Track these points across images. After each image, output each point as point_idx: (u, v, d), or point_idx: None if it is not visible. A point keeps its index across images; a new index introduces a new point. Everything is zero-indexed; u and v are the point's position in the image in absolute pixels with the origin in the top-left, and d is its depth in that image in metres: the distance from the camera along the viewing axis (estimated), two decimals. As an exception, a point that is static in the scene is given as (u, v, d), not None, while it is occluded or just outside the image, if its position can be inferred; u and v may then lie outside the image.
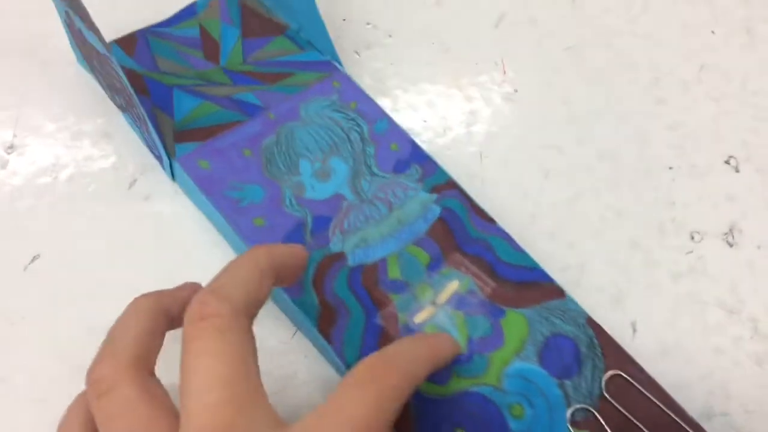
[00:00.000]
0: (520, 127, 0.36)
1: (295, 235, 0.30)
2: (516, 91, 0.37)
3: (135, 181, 0.33)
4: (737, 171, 0.35)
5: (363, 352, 0.28)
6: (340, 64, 0.36)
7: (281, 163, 0.32)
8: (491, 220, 0.32)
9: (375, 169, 0.33)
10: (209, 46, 0.37)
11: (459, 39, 0.39)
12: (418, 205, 0.32)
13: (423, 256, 0.30)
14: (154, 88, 0.34)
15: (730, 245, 0.33)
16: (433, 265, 0.30)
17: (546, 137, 0.36)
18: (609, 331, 0.29)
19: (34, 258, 0.31)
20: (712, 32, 0.40)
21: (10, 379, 0.28)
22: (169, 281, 0.26)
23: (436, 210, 0.32)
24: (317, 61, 0.36)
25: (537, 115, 0.37)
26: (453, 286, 0.30)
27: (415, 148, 0.33)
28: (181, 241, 0.32)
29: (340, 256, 0.30)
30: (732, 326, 0.31)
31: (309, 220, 0.31)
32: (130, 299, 0.25)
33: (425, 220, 0.31)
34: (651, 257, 0.33)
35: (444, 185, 0.32)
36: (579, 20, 0.40)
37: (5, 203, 0.32)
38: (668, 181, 0.35)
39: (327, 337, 0.28)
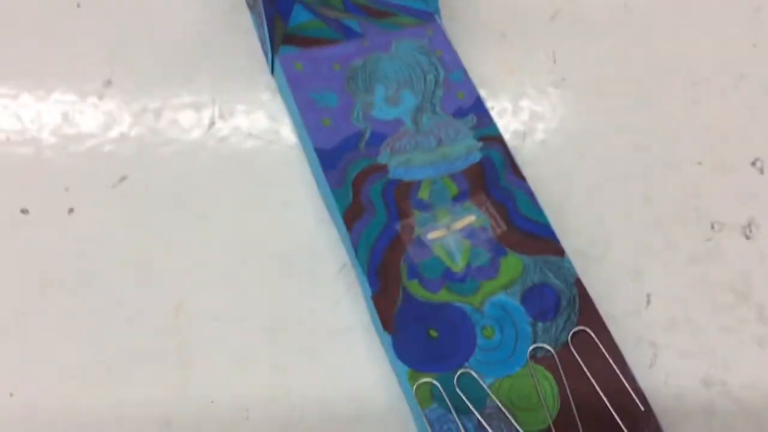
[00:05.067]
0: (563, 112, 0.39)
1: (351, 140, 0.35)
2: (563, 79, 0.40)
3: (213, 123, 0.38)
4: (762, 173, 0.37)
5: (375, 248, 0.33)
6: (439, 16, 0.41)
7: (361, 82, 0.37)
8: (523, 178, 0.35)
9: (438, 109, 0.37)
10: (336, -24, 0.42)
11: (515, 28, 0.42)
12: (464, 148, 0.36)
13: (453, 188, 0.35)
14: (280, -2, 0.40)
15: (747, 238, 0.35)
16: (459, 198, 0.34)
17: (586, 124, 0.39)
18: (625, 299, 0.33)
19: (122, 179, 0.36)
20: (754, 45, 0.42)
21: (92, 282, 0.33)
22: (232, 207, 0.33)
23: (478, 155, 0.36)
24: (422, 9, 0.41)
25: (580, 104, 0.40)
26: (470, 219, 0.34)
27: (479, 101, 0.37)
28: (249, 179, 0.36)
29: (383, 168, 0.35)
30: (739, 309, 0.34)
31: (368, 132, 0.36)
32: (202, 220, 0.33)
33: (465, 161, 0.35)
34: (672, 240, 0.35)
35: (492, 138, 0.36)
36: (627, 22, 0.43)
37: (100, 129, 0.37)
38: (696, 175, 0.37)
39: (349, 226, 0.33)
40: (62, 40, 0.40)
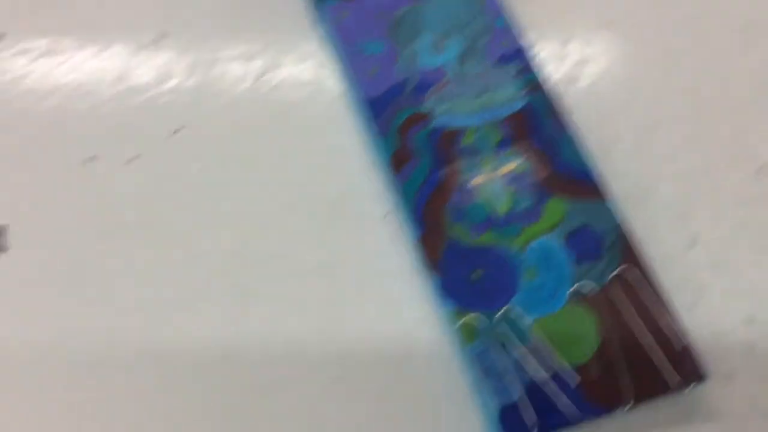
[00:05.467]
0: (611, 56, 0.39)
1: (397, 88, 0.36)
2: (612, 22, 0.40)
3: (264, 73, 0.39)
4: None
5: (420, 193, 0.34)
6: (484, -36, 0.41)
7: (406, 31, 0.38)
8: (567, 124, 0.35)
9: (482, 57, 0.37)
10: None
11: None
12: (507, 95, 0.36)
13: (496, 135, 0.35)
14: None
15: None
16: (502, 144, 0.35)
17: (634, 68, 0.39)
18: (669, 242, 0.34)
19: (178, 129, 0.37)
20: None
21: (153, 227, 0.35)
22: (280, 155, 0.35)
23: (520, 102, 0.36)
24: (466, -43, 0.41)
25: (628, 47, 0.39)
26: (513, 165, 0.34)
27: (523, 48, 0.38)
28: (296, 127, 0.38)
29: (428, 115, 0.36)
30: None
31: (413, 81, 0.36)
32: (253, 168, 0.36)
33: (509, 108, 0.36)
34: (719, 183, 0.36)
35: (536, 84, 0.36)
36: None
37: (155, 81, 0.39)
38: (746, 116, 0.37)
39: (396, 170, 0.34)
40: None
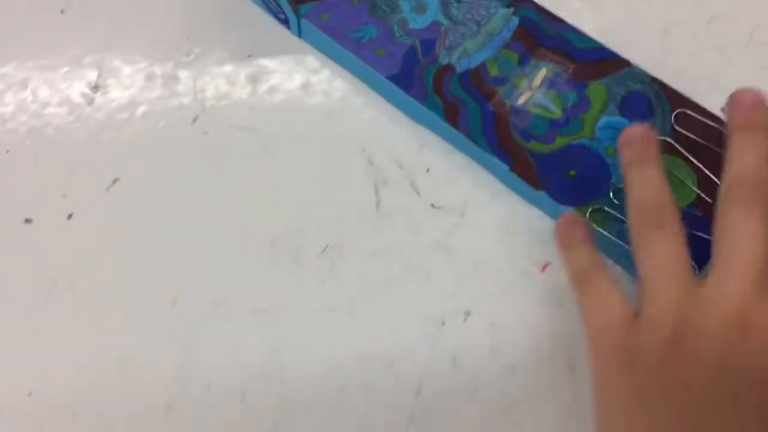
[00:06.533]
0: None
1: (409, 57, 0.38)
2: None
3: (197, 117, 0.40)
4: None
5: (486, 132, 0.36)
6: None
7: (384, 5, 0.40)
8: (562, 21, 0.39)
9: (459, -2, 0.40)
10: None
11: None
12: (501, 19, 0.39)
13: (513, 56, 0.38)
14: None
15: None
16: (523, 61, 0.38)
17: None
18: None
19: (115, 181, 0.38)
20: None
21: (94, 282, 0.36)
22: (218, 198, 0.37)
23: (515, 20, 0.39)
24: None
25: None
26: (542, 72, 0.38)
27: (488, -26, 0.41)
28: (232, 169, 0.38)
29: (449, 68, 0.38)
30: None
31: (418, 44, 0.39)
32: (191, 214, 0.36)
33: (509, 29, 0.39)
34: None
35: (518, 0, 0.40)
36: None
37: (91, 134, 0.39)
38: None
39: (455, 125, 0.36)
40: (51, 49, 0.41)
